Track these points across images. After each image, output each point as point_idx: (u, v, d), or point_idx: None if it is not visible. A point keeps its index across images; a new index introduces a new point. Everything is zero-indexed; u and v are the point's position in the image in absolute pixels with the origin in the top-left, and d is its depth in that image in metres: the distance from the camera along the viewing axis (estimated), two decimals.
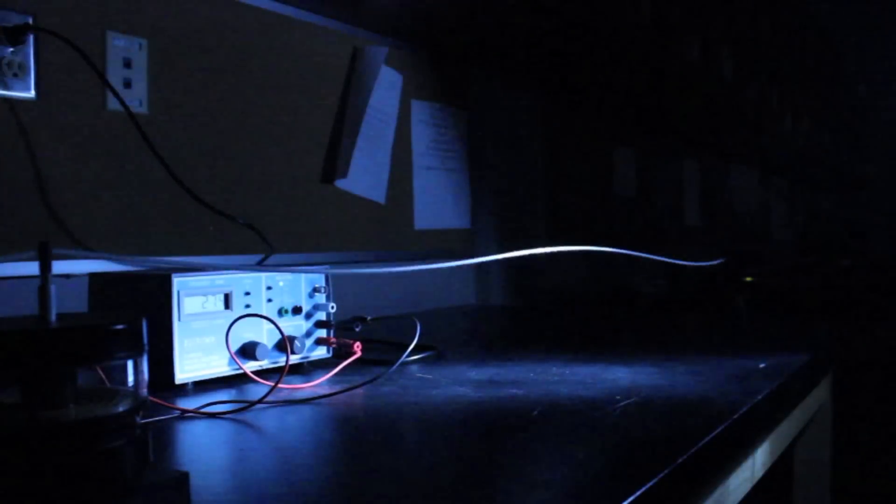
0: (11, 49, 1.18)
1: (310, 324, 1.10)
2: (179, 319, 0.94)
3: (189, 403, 0.85)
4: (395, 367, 1.05)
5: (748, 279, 2.50)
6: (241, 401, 0.88)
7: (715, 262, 1.53)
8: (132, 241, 1.36)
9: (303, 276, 1.09)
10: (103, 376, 0.52)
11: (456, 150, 2.21)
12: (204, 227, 1.47)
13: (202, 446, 0.75)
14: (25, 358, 0.45)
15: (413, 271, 1.05)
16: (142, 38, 1.37)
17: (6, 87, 1.18)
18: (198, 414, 0.83)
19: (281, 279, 1.06)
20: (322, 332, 1.11)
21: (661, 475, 0.59)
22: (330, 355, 1.13)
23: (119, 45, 1.33)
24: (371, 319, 1.14)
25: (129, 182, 1.36)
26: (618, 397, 0.87)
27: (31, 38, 1.20)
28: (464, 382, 0.99)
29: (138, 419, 0.51)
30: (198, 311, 0.96)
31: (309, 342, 1.10)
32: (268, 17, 1.62)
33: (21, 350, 0.45)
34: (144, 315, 0.52)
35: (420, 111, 2.07)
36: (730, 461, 0.92)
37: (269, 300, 1.05)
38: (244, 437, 0.77)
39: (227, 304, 1.00)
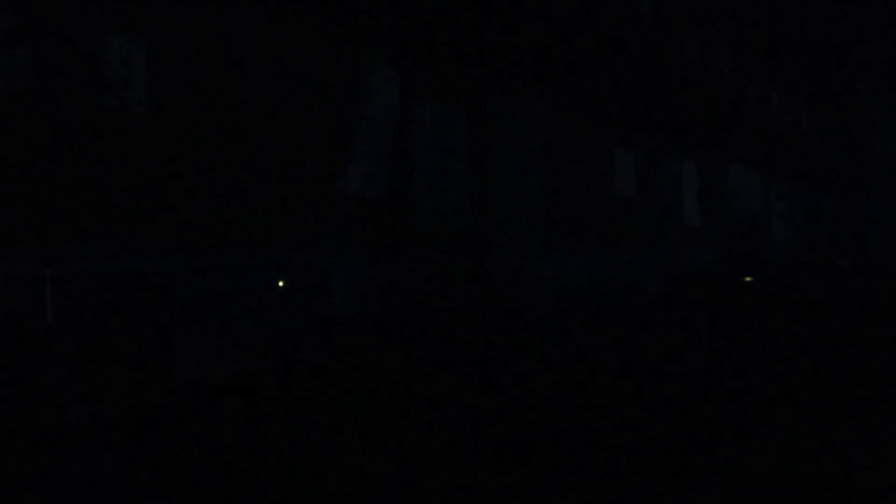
0: (11, 49, 1.17)
1: None
2: (179, 319, 0.94)
3: (189, 403, 0.85)
4: None
5: (748, 279, 2.49)
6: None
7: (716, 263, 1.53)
8: (132, 241, 1.36)
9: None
10: (102, 376, 0.52)
11: (456, 150, 2.21)
12: (204, 226, 1.47)
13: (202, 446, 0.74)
14: (25, 357, 0.45)
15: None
16: (142, 38, 1.37)
17: (6, 87, 1.17)
18: (198, 410, 0.82)
19: (280, 279, 1.06)
20: None
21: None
22: None
23: (119, 45, 1.33)
24: None
25: (128, 182, 1.36)
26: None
27: (31, 38, 1.20)
28: None
29: (139, 416, 0.51)
30: (198, 311, 0.96)
31: None
32: (269, 17, 1.62)
33: (21, 350, 0.45)
34: (144, 315, 0.51)
35: (420, 111, 2.07)
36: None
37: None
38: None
39: (227, 304, 1.00)
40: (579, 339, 1.54)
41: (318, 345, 1.28)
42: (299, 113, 1.73)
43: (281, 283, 1.07)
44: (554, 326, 1.79)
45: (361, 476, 0.64)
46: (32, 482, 0.50)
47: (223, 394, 1.03)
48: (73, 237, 1.27)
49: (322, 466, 0.69)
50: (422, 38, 1.96)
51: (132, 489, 0.65)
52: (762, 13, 3.36)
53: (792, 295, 2.55)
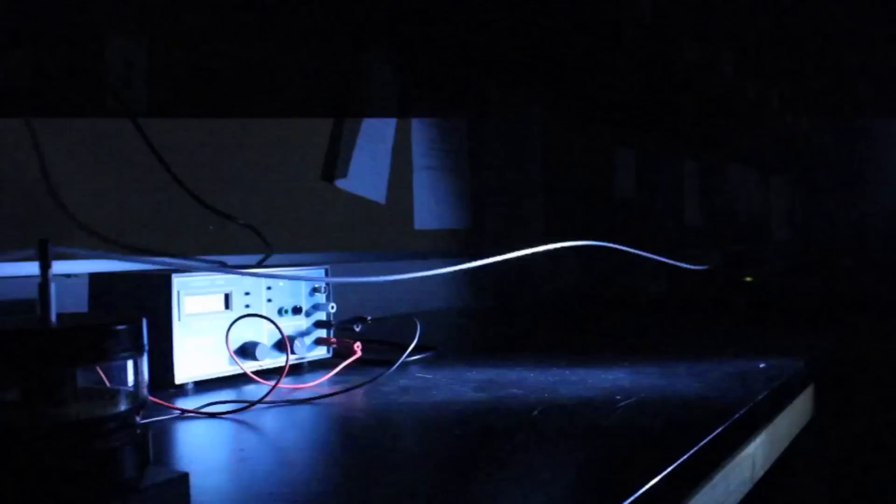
0: (12, 49, 1.17)
1: (309, 323, 1.10)
2: (179, 319, 0.94)
3: (189, 403, 0.85)
4: (395, 367, 1.05)
5: (748, 279, 2.49)
6: (241, 401, 0.88)
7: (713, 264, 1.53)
8: (132, 241, 1.36)
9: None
10: (103, 376, 0.52)
11: (456, 150, 2.21)
12: (204, 227, 1.47)
13: (202, 446, 0.75)
14: (25, 358, 0.45)
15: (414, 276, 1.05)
16: (142, 38, 1.37)
17: (7, 87, 1.17)
18: (198, 414, 0.83)
19: (281, 279, 1.06)
20: (322, 332, 1.11)
21: (662, 475, 0.59)
22: (330, 355, 1.13)
23: (119, 45, 1.33)
24: (371, 319, 1.14)
25: (129, 182, 1.36)
26: (618, 397, 0.87)
27: (32, 38, 1.20)
28: (464, 383, 0.99)
29: (138, 419, 0.51)
30: (198, 311, 0.96)
31: (308, 342, 1.09)
32: (268, 17, 1.62)
33: (21, 350, 0.45)
34: (144, 315, 0.51)
35: (420, 111, 2.07)
36: (730, 461, 0.92)
37: (269, 300, 1.05)
38: (244, 437, 0.77)
39: (227, 304, 1.00)
40: (580, 338, 1.53)
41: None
42: (299, 113, 1.73)
43: (281, 283, 1.07)
44: (554, 326, 1.79)
45: (359, 476, 0.64)
46: (33, 480, 0.50)
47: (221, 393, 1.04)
48: (72, 237, 1.27)
49: (319, 466, 0.69)
50: (422, 38, 1.96)
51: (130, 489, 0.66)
52: (762, 13, 3.36)
53: (792, 295, 2.55)
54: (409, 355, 1.10)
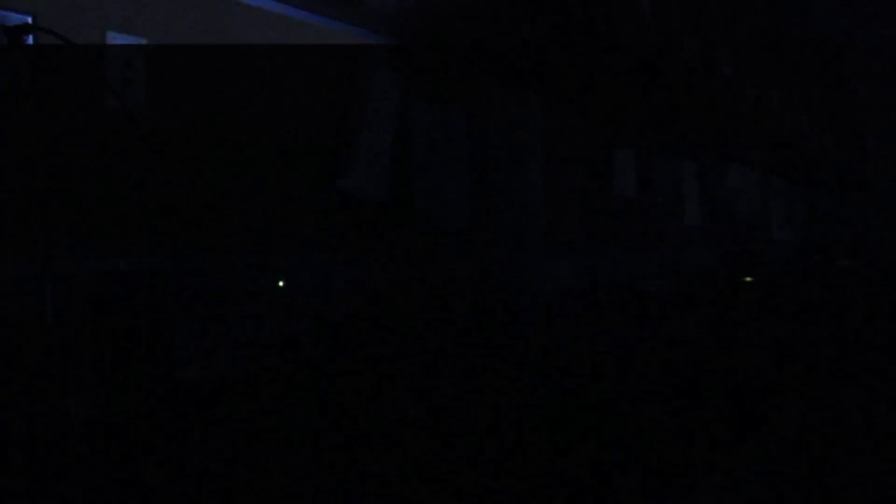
0: (12, 49, 1.17)
1: None
2: (179, 319, 0.94)
3: (189, 404, 0.86)
4: None
5: (748, 279, 2.50)
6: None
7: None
8: (133, 241, 1.36)
9: None
10: (106, 373, 0.52)
11: (456, 149, 2.21)
12: (204, 227, 1.47)
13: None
14: (27, 358, 0.45)
15: None
16: (142, 38, 1.37)
17: (6, 87, 1.17)
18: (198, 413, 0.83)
19: (281, 279, 1.06)
20: None
21: None
22: None
23: (119, 45, 1.33)
24: None
25: (129, 182, 1.36)
26: None
27: (31, 38, 1.20)
28: None
29: (139, 416, 0.51)
30: (198, 311, 0.96)
31: None
32: (269, 17, 1.62)
33: (23, 349, 0.45)
34: (144, 315, 0.52)
35: (420, 111, 2.07)
36: (733, 460, 0.92)
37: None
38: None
39: (228, 304, 1.00)
40: (581, 338, 1.54)
41: (318, 345, 1.28)
42: (299, 113, 1.73)
43: (281, 283, 1.07)
44: (554, 326, 1.79)
45: (360, 477, 0.64)
46: (33, 482, 0.50)
47: (223, 394, 1.03)
48: (72, 237, 1.27)
49: (320, 467, 0.69)
50: (421, 38, 1.96)
51: (131, 489, 0.65)
52: (762, 13, 3.37)
53: (792, 295, 2.55)
54: None
